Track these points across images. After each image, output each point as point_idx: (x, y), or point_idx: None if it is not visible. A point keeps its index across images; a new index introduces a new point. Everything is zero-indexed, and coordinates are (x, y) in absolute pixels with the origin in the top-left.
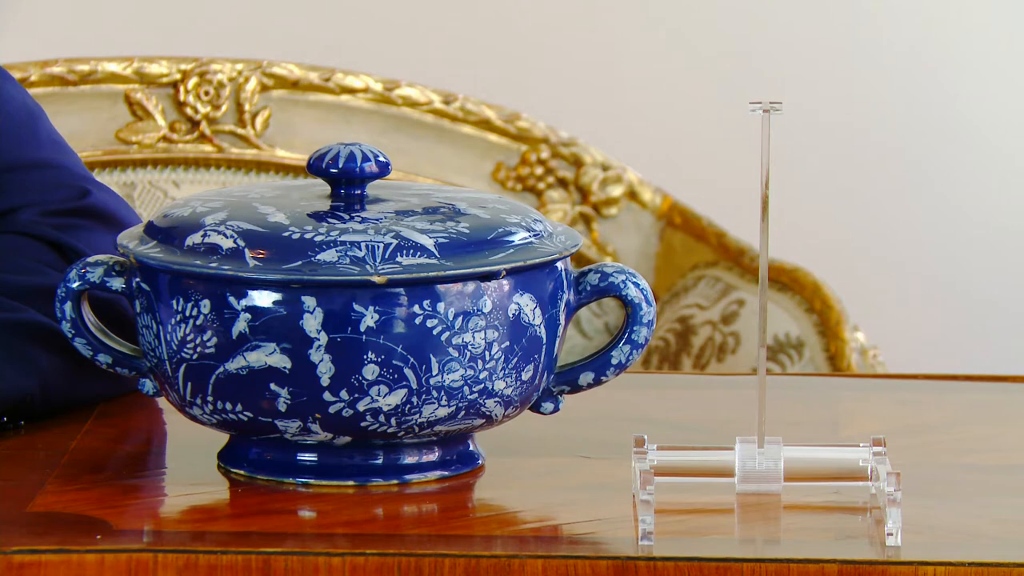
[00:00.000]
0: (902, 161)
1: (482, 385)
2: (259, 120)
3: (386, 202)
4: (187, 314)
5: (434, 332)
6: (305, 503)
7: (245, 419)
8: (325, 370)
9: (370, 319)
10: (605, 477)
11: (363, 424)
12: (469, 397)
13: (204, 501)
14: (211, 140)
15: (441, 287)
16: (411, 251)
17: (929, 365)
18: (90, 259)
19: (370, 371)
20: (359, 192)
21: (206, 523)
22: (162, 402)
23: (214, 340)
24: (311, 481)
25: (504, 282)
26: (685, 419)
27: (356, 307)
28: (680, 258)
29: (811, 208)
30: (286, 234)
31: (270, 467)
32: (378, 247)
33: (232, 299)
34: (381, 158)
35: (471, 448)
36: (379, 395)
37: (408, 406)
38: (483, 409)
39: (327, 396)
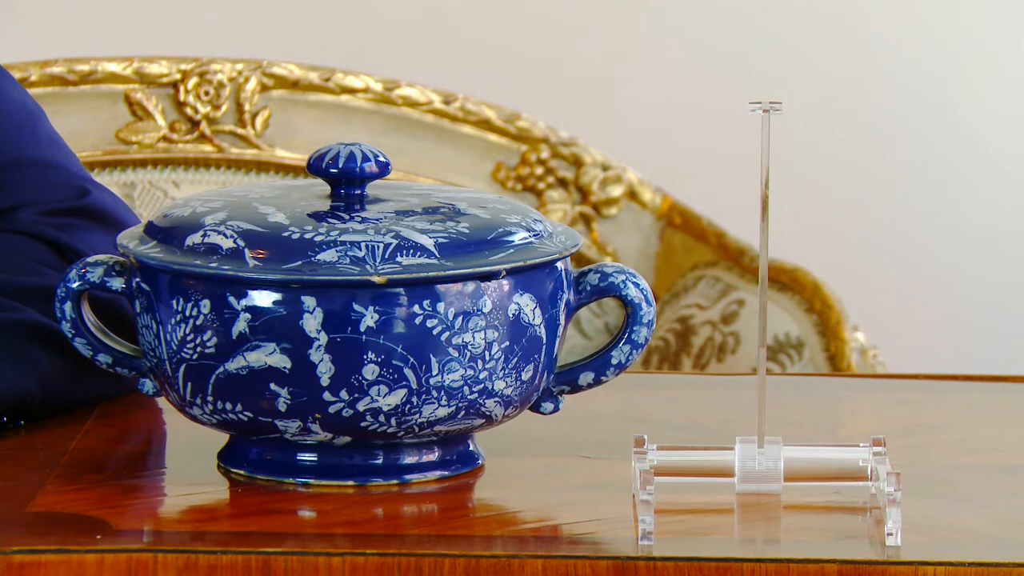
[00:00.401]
0: (902, 161)
1: (482, 385)
2: (259, 120)
3: (386, 202)
4: (187, 314)
5: (434, 332)
6: (305, 503)
7: (245, 419)
8: (325, 370)
9: (370, 319)
10: (605, 477)
11: (363, 424)
12: (469, 397)
13: (204, 501)
14: (211, 140)
15: (441, 287)
16: (411, 251)
17: (929, 365)
18: (90, 259)
19: (370, 371)
20: (359, 192)
21: (206, 523)
22: (162, 402)
23: (214, 340)
24: (311, 481)
25: (504, 282)
26: (685, 419)
27: (356, 307)
28: (680, 258)
29: (811, 208)
30: (286, 234)
31: (270, 467)
32: (378, 247)
33: (232, 299)
34: (381, 158)
35: (471, 448)
36: (379, 395)
37: (408, 406)
38: (483, 409)
39: (327, 396)
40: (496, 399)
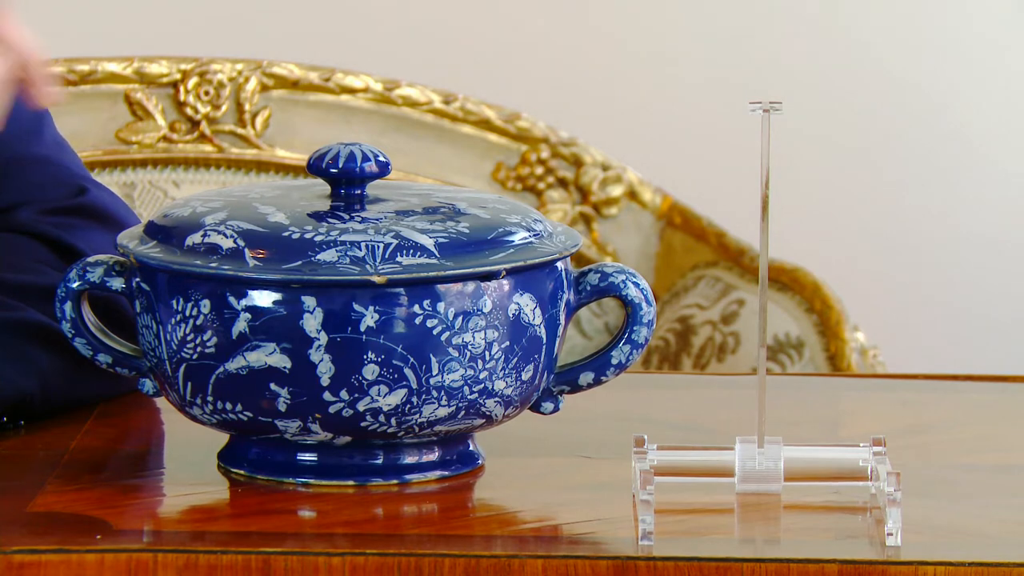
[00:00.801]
0: (902, 161)
1: (482, 385)
2: (259, 120)
3: (386, 202)
4: (187, 314)
5: (434, 332)
6: (305, 503)
7: (245, 419)
8: (325, 370)
9: (370, 319)
10: (605, 477)
11: (363, 424)
12: (469, 397)
13: (204, 501)
14: (211, 140)
15: (441, 287)
16: (411, 251)
17: (929, 365)
18: (90, 259)
19: (370, 371)
20: (359, 192)
21: (206, 523)
22: (162, 402)
23: (214, 340)
24: (311, 481)
25: (504, 282)
26: (685, 419)
27: (356, 307)
28: (680, 258)
29: (811, 208)
30: (286, 234)
31: (270, 467)
32: (378, 247)
33: (232, 299)
34: (381, 158)
35: (471, 448)
36: (379, 395)
37: (408, 406)
38: (483, 409)
39: (327, 396)
40: (496, 399)
